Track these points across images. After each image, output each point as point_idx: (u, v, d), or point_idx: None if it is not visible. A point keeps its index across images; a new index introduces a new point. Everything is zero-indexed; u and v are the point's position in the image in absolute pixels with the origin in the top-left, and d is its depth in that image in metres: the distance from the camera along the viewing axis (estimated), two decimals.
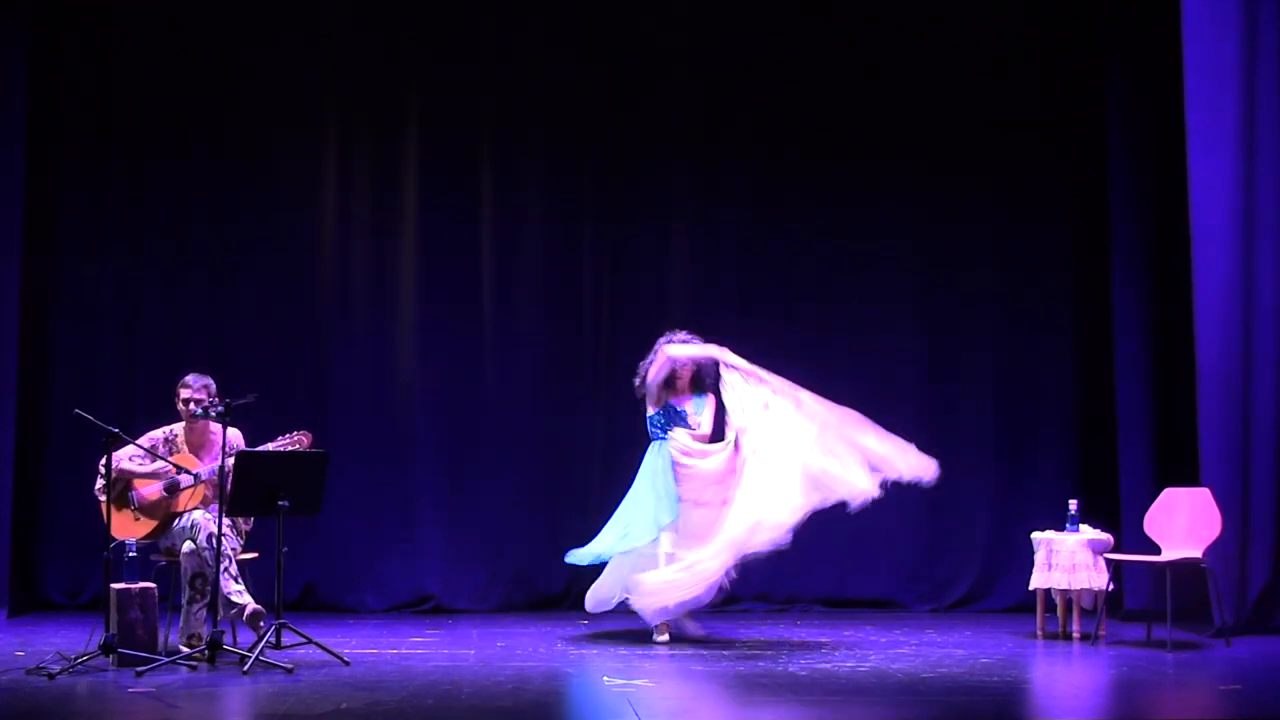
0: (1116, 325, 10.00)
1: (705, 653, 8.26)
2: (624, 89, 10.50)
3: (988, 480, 10.40)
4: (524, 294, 10.44)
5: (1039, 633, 8.95)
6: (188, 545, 7.89)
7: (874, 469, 8.43)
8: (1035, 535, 9.01)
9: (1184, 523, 8.69)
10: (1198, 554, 8.54)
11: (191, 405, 8.11)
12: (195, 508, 8.01)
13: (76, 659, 7.44)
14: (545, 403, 10.42)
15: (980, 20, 10.46)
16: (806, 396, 8.55)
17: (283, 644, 7.80)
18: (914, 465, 8.49)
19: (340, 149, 10.38)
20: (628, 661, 7.96)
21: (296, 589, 9.98)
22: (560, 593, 10.31)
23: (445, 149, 10.38)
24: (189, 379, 8.21)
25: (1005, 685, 7.37)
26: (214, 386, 8.21)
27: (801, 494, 8.33)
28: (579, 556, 8.82)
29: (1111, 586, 8.83)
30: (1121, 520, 9.63)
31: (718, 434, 8.85)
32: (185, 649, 7.79)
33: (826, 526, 10.25)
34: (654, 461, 8.79)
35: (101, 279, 10.17)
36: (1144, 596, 9.39)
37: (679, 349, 8.80)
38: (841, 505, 8.46)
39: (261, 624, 7.76)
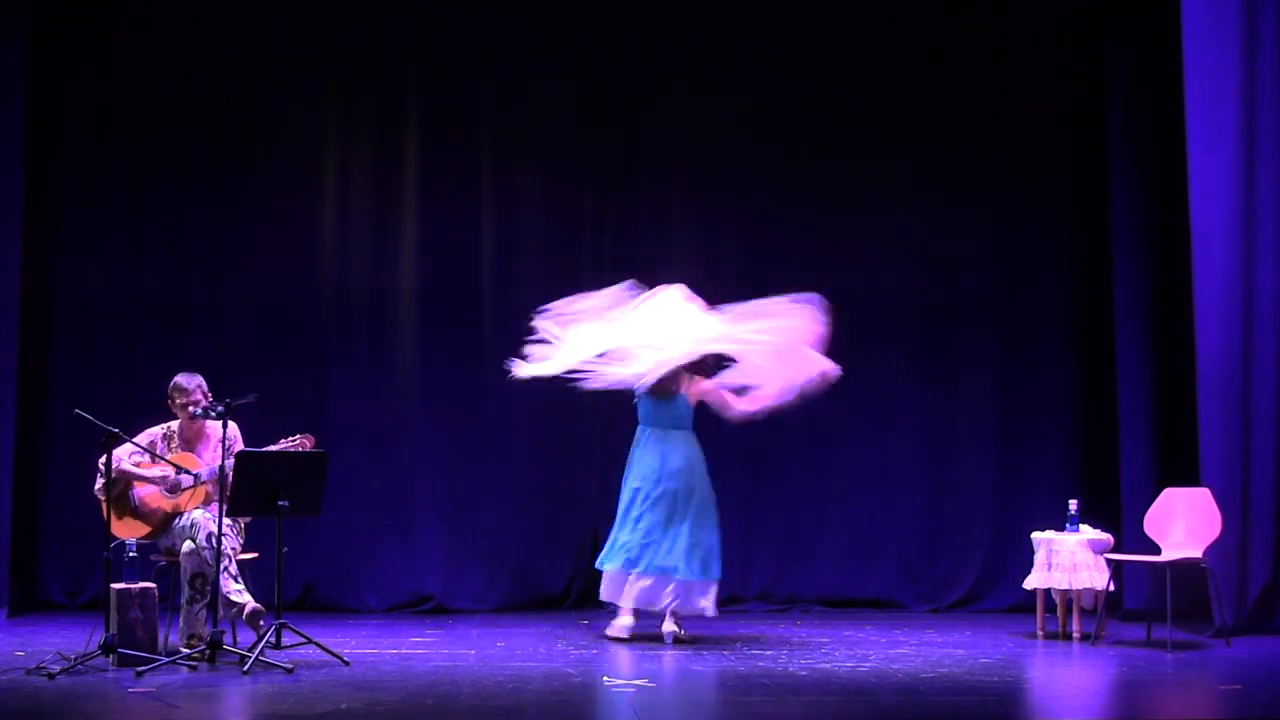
0: (1117, 325, 10.00)
1: (705, 653, 8.26)
2: (624, 86, 10.49)
3: (988, 480, 10.40)
4: (524, 291, 10.43)
5: (1039, 633, 8.95)
6: (187, 545, 7.89)
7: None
8: (1035, 535, 9.02)
9: (1184, 523, 8.69)
10: (1198, 554, 8.55)
11: (190, 408, 8.11)
12: (196, 507, 8.01)
13: (76, 659, 7.44)
14: (545, 402, 10.41)
15: (981, 19, 10.46)
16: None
17: (283, 644, 7.79)
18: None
19: (340, 147, 10.39)
20: (627, 661, 7.96)
21: (296, 589, 9.99)
22: (560, 593, 10.31)
23: (445, 146, 10.38)
24: (182, 381, 8.19)
25: (1005, 685, 7.37)
26: (205, 384, 8.21)
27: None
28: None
29: (1111, 586, 8.83)
30: (1122, 520, 9.62)
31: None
32: (185, 649, 7.79)
33: (827, 526, 10.30)
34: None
35: (101, 279, 10.17)
36: (1144, 596, 9.38)
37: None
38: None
39: (261, 623, 7.76)
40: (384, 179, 10.38)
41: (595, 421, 10.37)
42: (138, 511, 8.05)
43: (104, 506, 7.84)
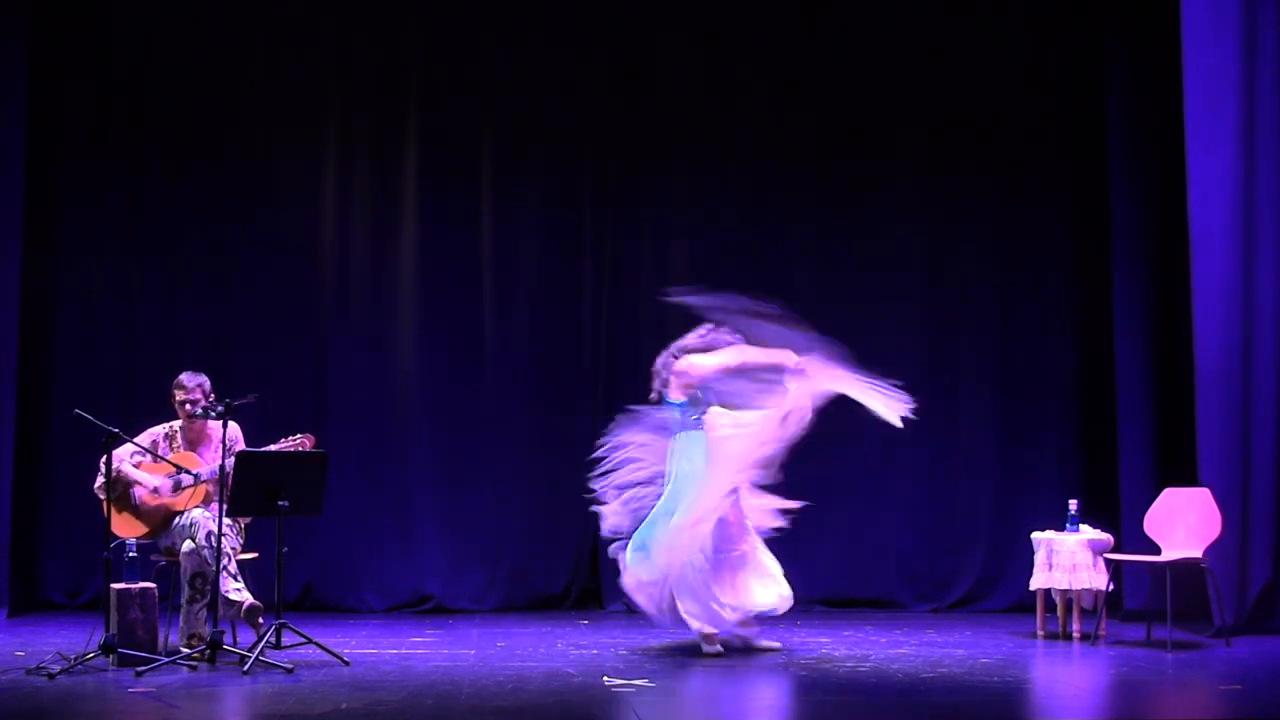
0: (1117, 325, 10.00)
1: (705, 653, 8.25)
2: (624, 87, 10.50)
3: (988, 480, 10.40)
4: (524, 294, 10.45)
5: (1039, 633, 8.95)
6: (187, 545, 7.89)
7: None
8: (1035, 535, 9.02)
9: (1184, 523, 8.69)
10: (1198, 554, 8.55)
11: (188, 406, 8.12)
12: (196, 506, 8.01)
13: (76, 659, 7.44)
14: (545, 402, 10.42)
15: (981, 19, 10.47)
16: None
17: (283, 644, 7.80)
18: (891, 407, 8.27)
19: (340, 148, 10.39)
20: (628, 661, 7.96)
21: (296, 589, 9.99)
22: (560, 593, 10.31)
23: (445, 149, 10.39)
24: (183, 379, 8.22)
25: (1005, 685, 7.36)
26: (208, 384, 8.23)
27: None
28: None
29: (1111, 586, 8.84)
30: (1121, 520, 9.63)
31: None
32: (185, 649, 7.79)
33: (827, 526, 10.30)
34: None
35: (101, 279, 10.18)
36: (1144, 596, 9.38)
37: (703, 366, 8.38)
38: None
39: (260, 620, 7.76)
40: (385, 179, 10.38)
41: (596, 421, 10.35)
42: (138, 511, 8.06)
43: (104, 506, 7.84)
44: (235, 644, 7.83)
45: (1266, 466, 8.94)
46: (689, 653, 8.21)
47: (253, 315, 10.23)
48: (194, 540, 7.86)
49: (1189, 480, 9.02)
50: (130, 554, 7.81)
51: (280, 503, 7.61)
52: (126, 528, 8.01)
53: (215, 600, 7.76)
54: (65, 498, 9.83)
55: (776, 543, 10.31)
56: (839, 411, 10.28)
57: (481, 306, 10.38)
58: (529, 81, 10.43)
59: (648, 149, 10.51)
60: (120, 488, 8.00)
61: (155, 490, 8.02)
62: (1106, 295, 10.11)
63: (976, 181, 10.51)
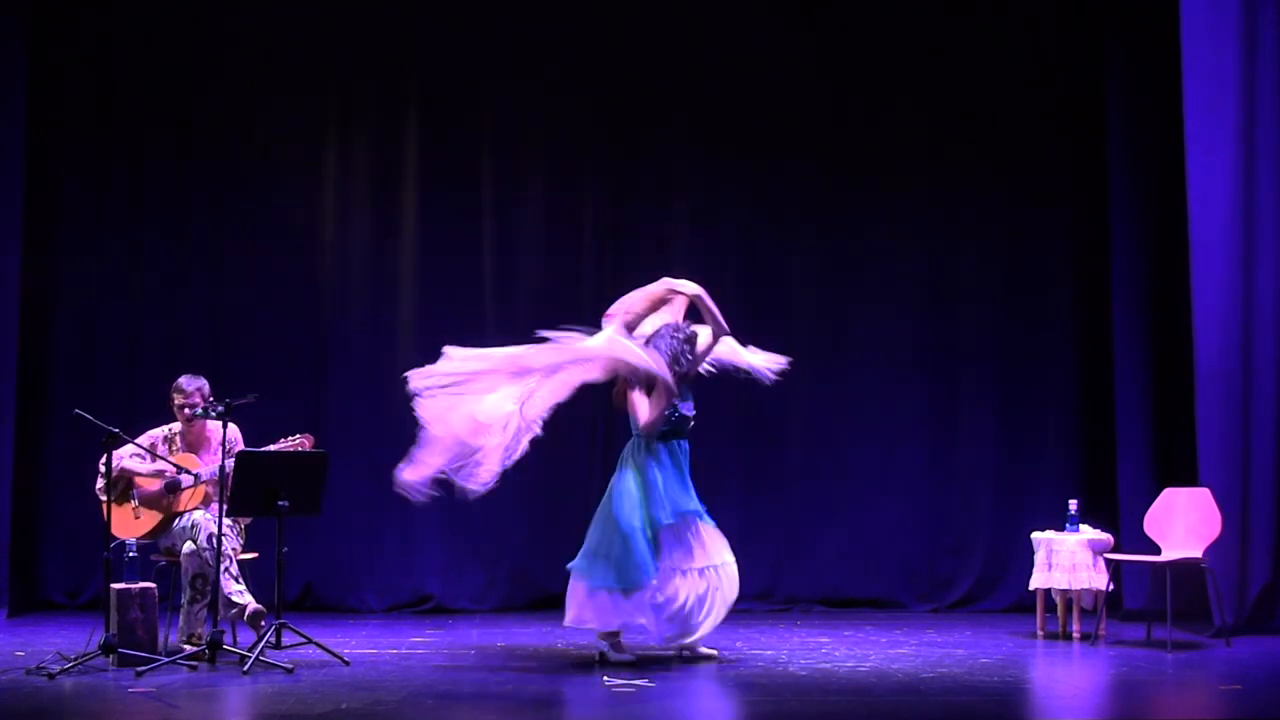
0: (1116, 325, 10.00)
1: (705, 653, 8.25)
2: (625, 87, 10.50)
3: (988, 480, 10.40)
4: (524, 293, 10.44)
5: (1039, 633, 8.95)
6: (188, 545, 7.90)
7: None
8: (1035, 535, 9.02)
9: (1184, 523, 8.69)
10: (1198, 554, 8.55)
11: (187, 410, 8.12)
12: (196, 507, 8.02)
13: (76, 659, 7.44)
14: None
15: (981, 19, 10.47)
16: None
17: (283, 644, 7.80)
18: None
19: (341, 147, 10.40)
20: (627, 661, 7.95)
21: (296, 589, 9.99)
22: (560, 592, 10.28)
23: (446, 148, 10.39)
24: (182, 383, 8.22)
25: (1005, 685, 7.37)
26: (207, 388, 8.22)
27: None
28: None
29: (1111, 586, 8.84)
30: (1121, 520, 9.63)
31: None
32: (186, 649, 7.79)
33: (827, 526, 10.31)
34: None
35: (101, 279, 10.18)
36: (1144, 596, 9.39)
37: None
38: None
39: (262, 624, 7.76)
40: (384, 180, 10.38)
41: (595, 420, 10.37)
42: (138, 511, 8.06)
43: (104, 507, 7.84)
44: (235, 644, 7.83)
45: (1266, 466, 8.94)
46: (688, 653, 8.21)
47: (253, 315, 10.23)
48: (195, 542, 7.87)
49: (1189, 480, 9.03)
50: (130, 554, 7.82)
51: (280, 503, 7.62)
52: (127, 528, 8.01)
53: (216, 600, 7.76)
54: (65, 498, 9.83)
55: (777, 542, 10.37)
56: (840, 412, 10.34)
57: (482, 305, 10.38)
58: (529, 81, 10.43)
59: (648, 149, 10.51)
60: (121, 487, 8.00)
61: (160, 473, 8.01)
62: (1106, 295, 10.11)
63: (976, 182, 10.51)
